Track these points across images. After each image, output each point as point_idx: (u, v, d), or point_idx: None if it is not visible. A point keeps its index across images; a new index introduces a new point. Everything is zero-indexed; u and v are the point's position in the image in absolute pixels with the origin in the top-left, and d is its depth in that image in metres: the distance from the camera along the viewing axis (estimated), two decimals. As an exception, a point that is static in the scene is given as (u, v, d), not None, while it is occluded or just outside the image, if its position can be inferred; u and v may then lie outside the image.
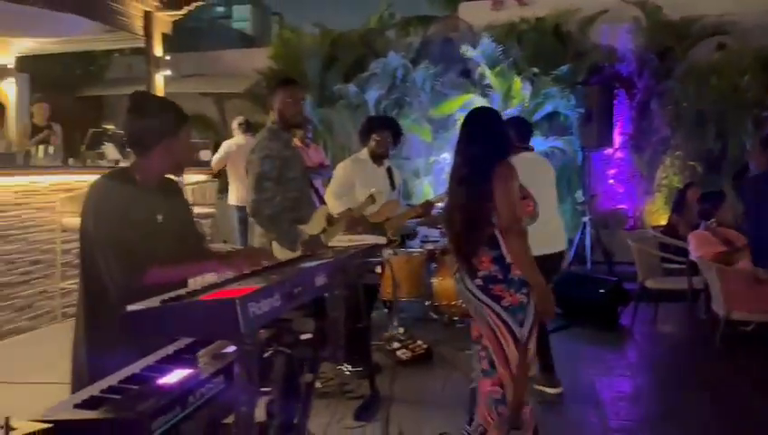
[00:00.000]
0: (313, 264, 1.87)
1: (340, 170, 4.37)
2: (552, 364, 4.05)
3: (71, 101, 10.34)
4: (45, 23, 6.28)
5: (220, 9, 46.08)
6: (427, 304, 5.92)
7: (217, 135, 9.67)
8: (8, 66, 7.37)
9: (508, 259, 2.75)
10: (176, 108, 2.29)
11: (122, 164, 6.03)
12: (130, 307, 1.44)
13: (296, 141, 3.55)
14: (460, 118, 8.42)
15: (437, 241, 6.31)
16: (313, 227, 3.30)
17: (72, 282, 5.24)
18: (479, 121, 2.98)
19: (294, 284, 1.57)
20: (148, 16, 7.09)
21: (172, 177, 2.38)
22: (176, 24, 7.66)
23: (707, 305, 5.24)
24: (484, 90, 8.63)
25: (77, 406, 1.41)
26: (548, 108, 8.37)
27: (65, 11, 5.99)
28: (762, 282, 4.58)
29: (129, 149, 6.37)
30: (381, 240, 3.38)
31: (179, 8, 7.31)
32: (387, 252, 3.27)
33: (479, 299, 2.78)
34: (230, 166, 7.03)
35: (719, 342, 4.82)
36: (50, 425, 1.29)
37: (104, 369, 1.71)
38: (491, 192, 2.71)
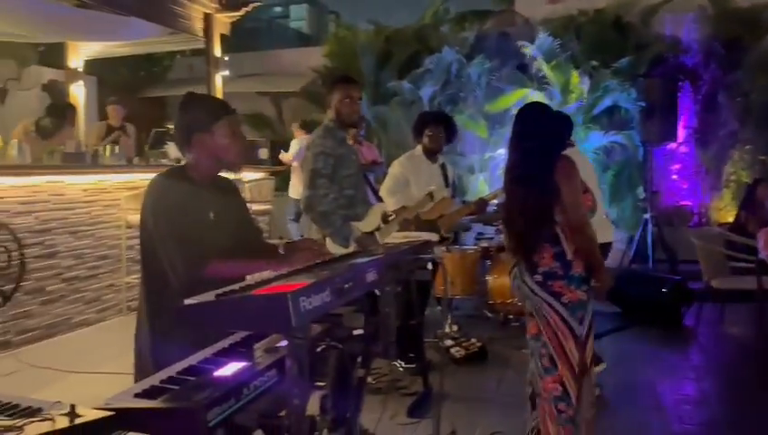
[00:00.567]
0: (364, 260, 1.88)
1: (395, 167, 4.38)
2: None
3: (135, 101, 10.73)
4: (112, 27, 6.54)
5: (278, 9, 46.85)
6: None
7: (275, 133, 9.86)
8: (78, 69, 7.70)
9: (569, 256, 2.72)
10: (211, 104, 2.32)
11: (183, 162, 6.23)
12: (188, 301, 1.48)
13: (348, 139, 3.56)
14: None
15: (492, 238, 6.25)
16: (368, 224, 3.32)
17: (136, 276, 5.45)
18: (534, 117, 2.93)
19: (345, 279, 1.58)
20: (207, 18, 7.27)
21: (227, 175, 2.42)
22: (235, 24, 7.84)
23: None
24: (541, 84, 8.49)
25: (137, 395, 1.46)
26: (607, 102, 8.16)
27: (131, 15, 6.23)
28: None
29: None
30: (434, 238, 3.38)
31: (237, 9, 7.47)
32: (440, 249, 3.25)
33: (538, 295, 2.74)
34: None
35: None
36: (112, 413, 1.35)
37: (163, 359, 1.78)
38: (553, 188, 2.68)
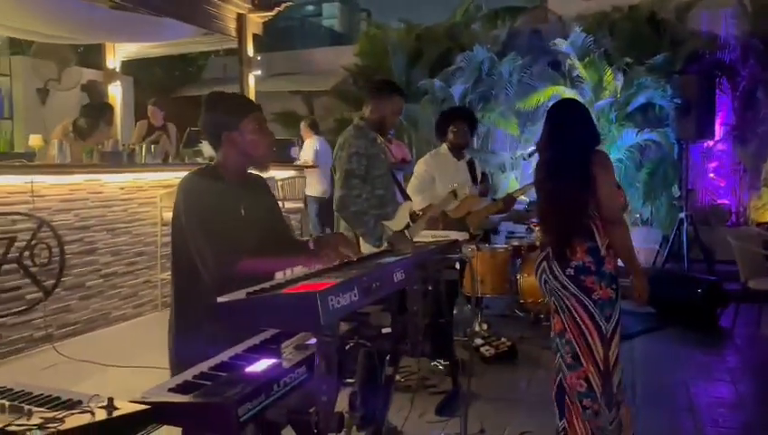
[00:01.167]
0: (392, 259, 1.90)
1: (420, 166, 4.40)
2: None
3: (170, 101, 10.93)
4: (148, 28, 6.67)
5: (310, 8, 47.09)
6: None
7: (306, 132, 9.91)
8: (115, 70, 7.88)
9: (602, 251, 2.71)
10: (236, 102, 2.34)
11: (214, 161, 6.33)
12: (220, 299, 1.52)
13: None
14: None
15: (523, 237, 6.21)
16: (398, 223, 3.33)
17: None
18: (569, 112, 2.93)
19: (373, 278, 1.60)
20: (240, 18, 7.37)
21: (257, 172, 2.45)
22: (268, 24, 7.92)
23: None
24: (574, 81, 8.40)
25: (171, 390, 1.50)
26: (641, 99, 8.04)
27: (166, 16, 6.35)
28: None
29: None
30: (464, 236, 3.38)
31: (270, 9, 7.55)
32: (468, 247, 3.22)
33: (569, 290, 2.74)
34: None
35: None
36: (147, 406, 1.40)
37: (193, 354, 1.82)
38: (588, 182, 2.68)
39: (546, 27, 9.30)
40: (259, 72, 7.83)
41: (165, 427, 1.41)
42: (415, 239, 3.28)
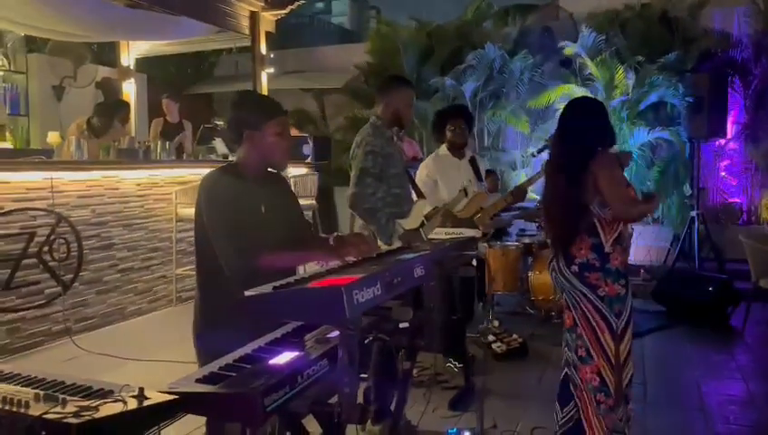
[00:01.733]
0: (412, 256, 1.95)
1: (422, 171, 4.33)
2: None
3: (182, 98, 10.99)
4: (163, 26, 6.74)
5: (320, 5, 47.11)
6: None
7: (317, 130, 9.98)
8: (130, 67, 7.96)
9: (607, 248, 2.75)
10: (264, 104, 2.39)
11: (230, 158, 6.40)
12: (247, 293, 1.57)
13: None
14: (560, 108, 8.31)
15: (534, 235, 6.23)
16: (412, 221, 3.37)
17: (187, 268, 5.63)
18: (579, 111, 2.96)
19: (394, 274, 1.65)
20: (253, 16, 7.42)
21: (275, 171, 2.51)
22: (278, 21, 7.97)
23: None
24: (585, 80, 8.40)
25: (198, 380, 1.56)
26: (653, 97, 8.03)
27: (180, 14, 6.41)
28: None
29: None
30: (477, 233, 3.41)
31: (283, 7, 7.59)
32: (481, 245, 3.26)
33: (575, 286, 2.78)
34: None
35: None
36: (176, 396, 1.45)
37: (218, 343, 1.87)
38: (583, 181, 2.71)
39: (557, 25, 9.30)
40: (272, 70, 7.88)
41: (186, 418, 1.46)
42: (429, 237, 3.33)
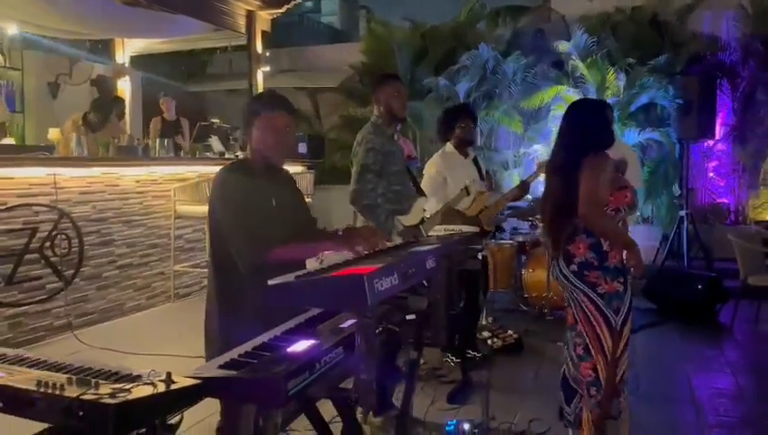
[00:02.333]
0: (424, 248, 2.02)
1: (431, 168, 4.41)
2: None
3: (176, 96, 10.99)
4: (159, 24, 6.77)
5: (309, 3, 46.96)
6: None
7: (311, 129, 10.03)
8: (125, 65, 7.97)
9: (605, 246, 2.82)
10: (258, 101, 2.48)
11: (227, 155, 6.45)
12: (271, 282, 1.64)
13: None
14: (553, 109, 8.41)
15: (528, 233, 6.33)
16: (412, 218, 3.44)
17: (185, 265, 5.69)
18: (580, 113, 3.03)
19: (409, 265, 1.72)
20: (250, 15, 7.47)
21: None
22: (273, 21, 8.01)
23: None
24: (577, 81, 8.52)
25: (221, 367, 1.63)
26: (644, 99, 8.16)
27: (177, 13, 6.45)
28: None
29: (232, 142, 6.81)
30: (475, 230, 3.49)
31: (280, 6, 7.65)
32: (484, 242, 3.35)
33: (574, 285, 2.85)
34: None
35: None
36: (199, 381, 1.52)
37: (233, 334, 1.94)
38: (576, 184, 2.78)
39: (550, 27, 9.42)
40: (268, 69, 7.93)
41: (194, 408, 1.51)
42: (429, 234, 3.40)
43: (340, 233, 2.39)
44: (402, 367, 3.47)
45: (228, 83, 10.96)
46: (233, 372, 1.59)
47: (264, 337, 1.86)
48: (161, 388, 1.43)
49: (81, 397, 1.33)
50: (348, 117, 9.55)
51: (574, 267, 2.86)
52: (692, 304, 5.72)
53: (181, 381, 1.48)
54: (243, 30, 7.44)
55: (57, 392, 1.37)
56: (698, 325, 5.54)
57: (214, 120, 7.40)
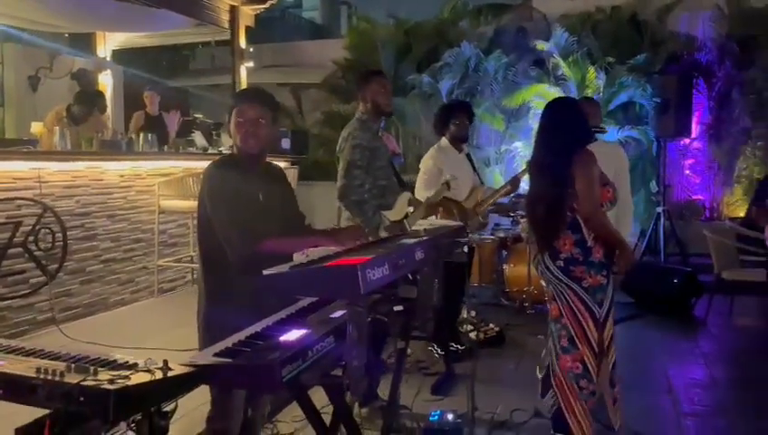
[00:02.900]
0: (412, 241, 2.08)
1: (428, 161, 4.48)
2: None
3: (158, 91, 10.91)
4: (142, 18, 6.73)
5: (290, -1, 46.64)
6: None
7: (294, 124, 10.04)
8: (106, 59, 7.91)
9: (589, 242, 2.90)
10: (236, 94, 2.50)
11: (210, 150, 6.45)
12: (266, 272, 1.68)
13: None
14: (534, 107, 8.51)
15: (509, 229, 6.42)
16: (397, 212, 3.49)
17: (169, 259, 5.68)
18: (560, 111, 3.10)
19: (400, 256, 1.78)
20: (233, 10, 7.45)
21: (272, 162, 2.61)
22: (256, 16, 8.00)
23: (787, 298, 5.17)
24: (558, 79, 8.63)
25: (216, 354, 1.67)
26: (623, 97, 8.30)
27: (160, 7, 6.42)
28: None
29: (216, 137, 6.79)
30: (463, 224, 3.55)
31: (263, 2, 7.64)
32: (474, 236, 3.42)
33: (560, 280, 2.93)
34: None
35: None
36: (197, 368, 1.56)
37: (226, 325, 1.98)
38: (570, 179, 2.85)
39: (531, 25, 9.52)
40: (251, 64, 7.92)
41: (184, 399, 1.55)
42: (413, 227, 3.45)
43: (328, 230, 2.44)
44: (388, 359, 3.56)
45: (211, 78, 10.93)
46: (228, 360, 1.63)
47: (256, 327, 1.91)
48: (159, 375, 1.46)
49: (81, 383, 1.36)
50: (331, 113, 9.57)
51: (560, 263, 2.94)
52: (668, 298, 5.86)
53: (178, 369, 1.52)
54: (226, 25, 7.41)
55: (57, 379, 1.40)
56: (674, 319, 5.69)
57: (197, 116, 7.38)
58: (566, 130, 2.99)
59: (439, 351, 4.36)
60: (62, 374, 1.43)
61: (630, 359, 4.52)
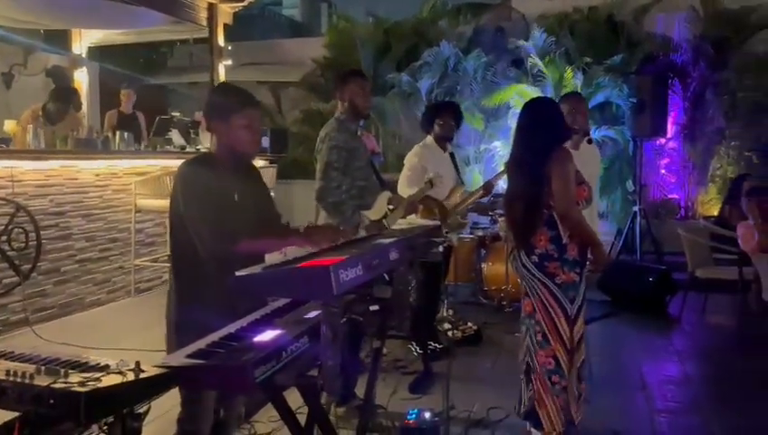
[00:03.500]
0: (387, 241, 2.09)
1: (413, 158, 4.47)
2: None
3: (135, 89, 10.79)
4: (118, 15, 6.65)
5: (270, -5, 46.37)
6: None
7: (274, 123, 9.99)
8: (82, 56, 7.81)
9: (564, 239, 2.94)
10: (234, 95, 2.46)
11: (188, 149, 6.40)
12: (238, 273, 1.68)
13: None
14: (513, 107, 8.55)
15: (487, 228, 6.46)
16: (376, 212, 3.50)
17: (145, 259, 5.63)
18: (537, 110, 3.14)
19: (373, 256, 1.79)
20: (211, 7, 7.40)
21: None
22: (235, 14, 7.96)
23: (758, 296, 5.26)
24: (536, 79, 8.69)
25: (189, 356, 1.66)
26: (600, 97, 8.38)
27: (138, 5, 6.35)
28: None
29: (194, 136, 6.74)
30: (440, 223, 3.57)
31: (241, 0, 7.60)
32: (455, 235, 3.44)
33: (534, 275, 2.97)
34: None
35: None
36: (169, 370, 1.55)
37: (193, 321, 1.97)
38: (547, 177, 2.89)
39: (510, 25, 9.58)
40: (230, 62, 7.88)
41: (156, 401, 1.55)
42: (393, 226, 3.46)
43: (302, 230, 2.43)
44: (365, 358, 3.57)
45: (189, 76, 10.83)
46: (201, 361, 1.63)
47: (230, 328, 1.90)
48: (130, 377, 1.46)
49: (51, 386, 1.36)
50: (310, 111, 9.55)
51: (535, 258, 2.98)
52: (644, 296, 5.94)
53: (150, 371, 1.51)
54: (204, 22, 7.36)
55: (27, 381, 1.40)
56: (650, 316, 5.76)
57: (174, 114, 7.32)
58: (544, 128, 3.03)
59: (418, 350, 4.37)
60: (31, 377, 1.42)
61: (605, 356, 4.60)
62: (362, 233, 3.44)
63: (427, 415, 3.18)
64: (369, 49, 9.65)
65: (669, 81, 8.15)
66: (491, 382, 4.06)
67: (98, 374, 1.46)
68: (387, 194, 3.65)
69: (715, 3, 8.40)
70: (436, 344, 4.51)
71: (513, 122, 8.41)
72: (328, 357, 1.74)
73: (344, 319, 2.07)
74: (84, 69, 7.90)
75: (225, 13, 7.68)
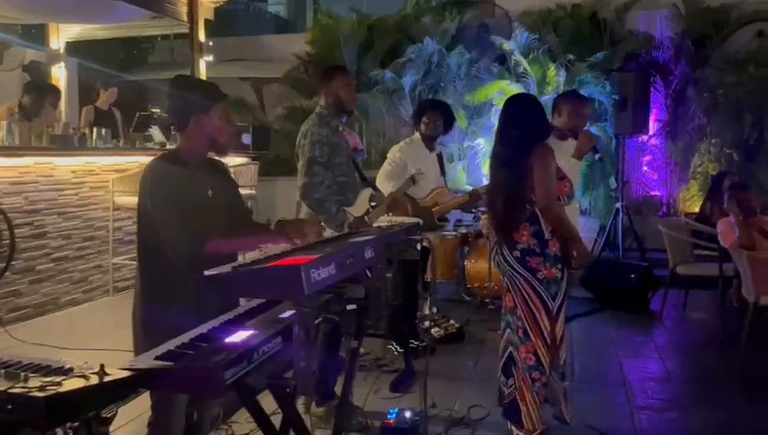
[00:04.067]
0: (362, 239, 2.05)
1: (396, 153, 4.44)
2: None
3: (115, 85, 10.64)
4: (97, 10, 6.55)
5: (255, -8, 46.11)
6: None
7: (256, 119, 9.90)
8: (60, 51, 7.68)
9: (546, 235, 2.94)
10: (207, 88, 2.44)
11: (168, 146, 6.31)
12: (207, 272, 1.63)
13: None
14: (496, 104, 8.54)
15: (471, 225, 6.45)
16: (358, 209, 3.47)
17: (123, 257, 5.55)
18: (519, 107, 3.14)
19: (347, 255, 1.75)
20: (191, 3, 7.30)
21: (216, 157, 2.54)
22: (218, 9, 7.87)
23: (738, 292, 5.28)
24: (519, 76, 8.69)
25: (157, 358, 1.61)
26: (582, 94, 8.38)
27: (118, -1, 6.25)
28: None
29: (173, 132, 6.66)
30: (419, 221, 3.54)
31: (223, -5, 7.52)
32: (434, 235, 3.40)
33: (516, 271, 2.96)
34: None
35: (748, 328, 4.86)
36: (136, 372, 1.50)
37: (161, 323, 1.92)
38: (529, 172, 2.88)
39: (493, 22, 9.57)
40: (210, 58, 7.79)
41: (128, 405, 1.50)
42: (375, 223, 3.43)
43: (272, 227, 2.39)
44: (346, 357, 3.53)
45: (170, 72, 10.68)
46: (169, 363, 1.58)
47: (201, 328, 1.85)
48: (94, 380, 1.41)
49: (8, 390, 1.31)
50: (293, 108, 9.48)
51: (517, 253, 2.97)
52: (627, 292, 5.95)
53: (115, 374, 1.46)
54: (184, 18, 7.26)
55: (-17, 386, 1.35)
56: (631, 313, 5.77)
57: (154, 110, 7.22)
58: (525, 124, 3.04)
59: (398, 348, 4.34)
60: (-11, 381, 1.37)
61: (586, 353, 4.61)
62: (347, 230, 3.41)
63: (408, 414, 3.16)
64: (353, 45, 9.59)
65: (651, 78, 8.18)
66: (473, 380, 4.05)
67: (59, 378, 1.41)
68: (369, 191, 3.62)
69: (696, 0, 8.44)
70: (418, 342, 4.48)
71: (496, 119, 8.43)
72: (300, 358, 1.69)
73: (320, 319, 2.03)
74: (62, 65, 7.77)
75: (206, 8, 7.59)
